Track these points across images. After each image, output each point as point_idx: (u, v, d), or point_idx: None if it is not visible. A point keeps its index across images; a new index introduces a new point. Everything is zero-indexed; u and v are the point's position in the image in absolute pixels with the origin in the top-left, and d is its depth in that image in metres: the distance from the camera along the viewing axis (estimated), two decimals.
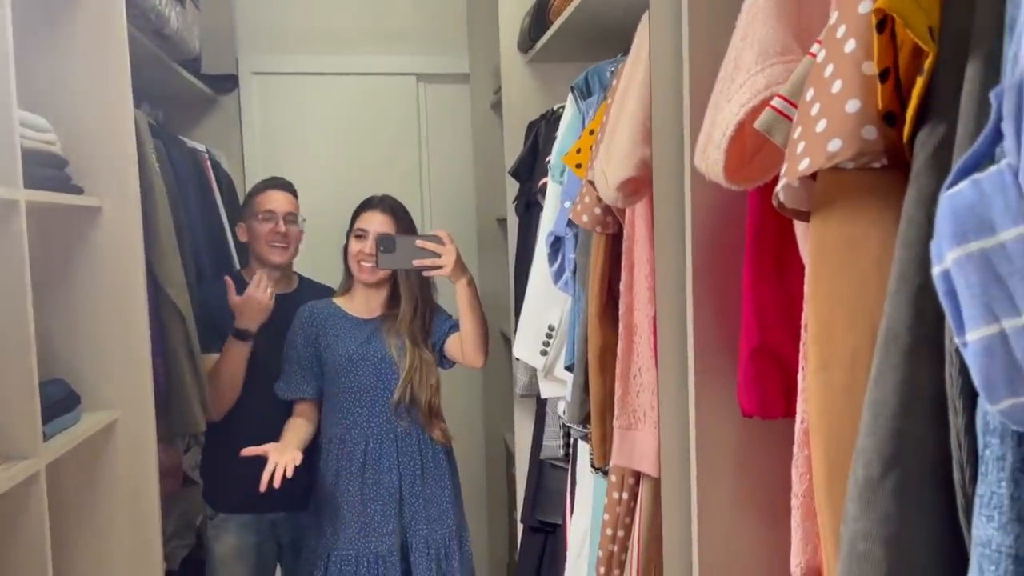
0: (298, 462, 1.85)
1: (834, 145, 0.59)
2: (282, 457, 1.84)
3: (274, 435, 2.04)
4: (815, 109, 0.62)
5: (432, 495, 2.07)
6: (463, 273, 1.97)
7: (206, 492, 2.12)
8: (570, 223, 1.48)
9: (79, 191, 1.56)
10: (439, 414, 2.10)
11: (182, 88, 2.50)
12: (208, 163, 2.39)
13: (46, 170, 1.45)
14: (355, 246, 2.05)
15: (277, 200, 2.16)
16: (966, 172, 0.45)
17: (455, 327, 2.07)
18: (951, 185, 0.45)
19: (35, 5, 1.57)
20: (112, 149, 1.63)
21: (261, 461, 1.98)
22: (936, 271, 0.45)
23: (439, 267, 1.94)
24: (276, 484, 1.82)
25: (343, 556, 2.00)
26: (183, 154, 2.18)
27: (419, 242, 1.94)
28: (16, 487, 1.25)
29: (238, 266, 2.41)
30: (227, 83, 2.81)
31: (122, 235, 1.63)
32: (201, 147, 2.40)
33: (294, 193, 2.22)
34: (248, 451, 1.88)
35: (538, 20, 2.09)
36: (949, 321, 0.45)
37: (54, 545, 1.35)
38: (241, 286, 2.16)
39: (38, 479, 1.31)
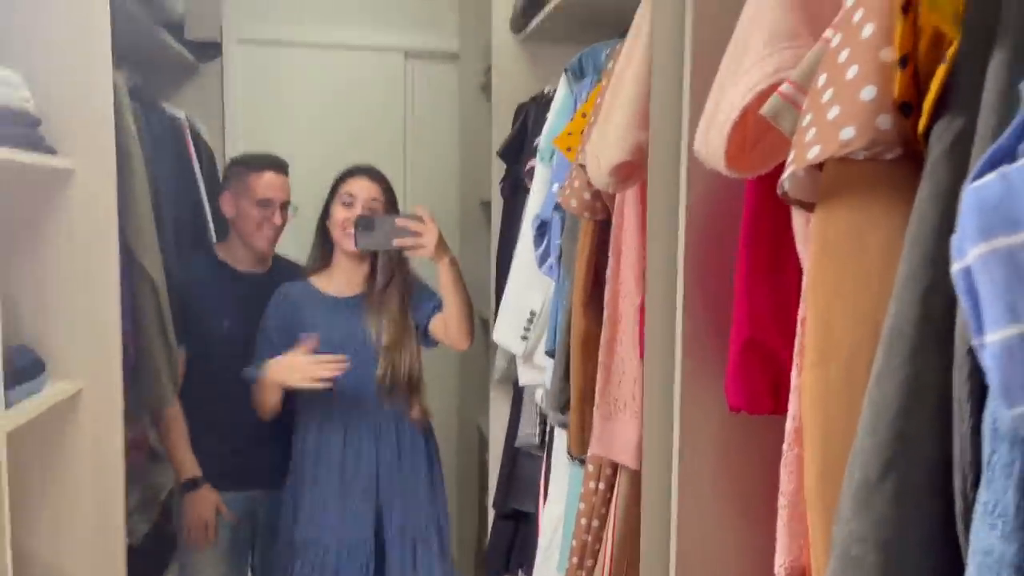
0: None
1: (847, 133, 0.57)
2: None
3: (249, 413, 1.99)
4: (827, 95, 0.60)
5: (408, 483, 2.02)
6: (444, 252, 1.93)
7: None
8: (557, 207, 1.46)
9: (52, 152, 1.50)
10: (419, 390, 2.05)
11: (163, 53, 2.43)
12: (188, 131, 2.32)
13: (18, 128, 1.39)
14: (342, 213, 1.97)
15: (276, 187, 2.08)
16: (993, 165, 0.43)
17: (439, 306, 2.02)
18: (976, 177, 0.43)
19: None
20: (88, 110, 1.57)
21: (238, 439, 2.00)
22: (956, 267, 0.43)
23: (420, 246, 1.90)
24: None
25: (322, 546, 1.96)
26: (162, 121, 2.12)
27: (398, 221, 1.90)
28: None
29: (215, 239, 2.36)
30: (210, 50, 2.73)
31: (95, 200, 1.57)
32: (181, 114, 2.34)
33: (287, 174, 2.14)
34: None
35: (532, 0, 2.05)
36: (967, 320, 0.43)
37: (13, 515, 1.31)
38: (214, 265, 2.11)
39: None
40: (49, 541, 1.61)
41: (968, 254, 0.42)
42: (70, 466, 1.61)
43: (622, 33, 1.57)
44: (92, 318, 1.58)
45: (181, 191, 2.16)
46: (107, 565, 1.63)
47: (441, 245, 1.91)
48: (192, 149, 2.32)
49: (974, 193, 0.42)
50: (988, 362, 0.42)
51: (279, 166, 2.12)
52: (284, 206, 2.10)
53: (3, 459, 1.27)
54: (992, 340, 0.42)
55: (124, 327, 1.64)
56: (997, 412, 0.45)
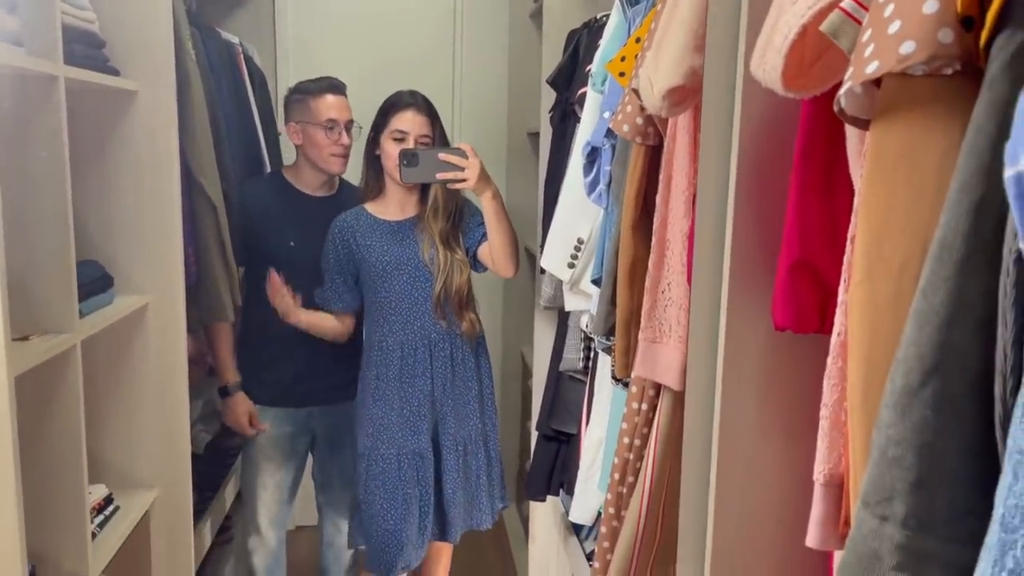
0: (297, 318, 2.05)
1: (907, 47, 0.57)
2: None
3: (305, 332, 2.09)
4: (889, 10, 0.60)
5: (460, 396, 2.14)
6: (487, 186, 1.98)
7: (244, 383, 2.16)
8: (608, 134, 1.46)
9: (116, 73, 1.55)
10: (468, 306, 2.14)
11: None
12: (242, 57, 2.36)
13: (85, 48, 1.44)
14: (394, 149, 2.02)
15: (339, 108, 2.14)
16: None
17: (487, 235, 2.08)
18: None
19: None
20: (149, 32, 1.61)
21: (296, 359, 2.13)
22: (1009, 173, 0.44)
23: (462, 179, 1.95)
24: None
25: (385, 455, 2.08)
26: (218, 46, 2.15)
27: (442, 155, 1.96)
28: (53, 359, 1.29)
29: (268, 163, 2.41)
30: None
31: (157, 121, 1.62)
32: (235, 40, 2.37)
33: (346, 95, 2.19)
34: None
35: None
36: (1016, 226, 0.44)
37: (87, 421, 1.40)
38: (282, 187, 2.16)
39: (74, 353, 1.34)
40: (120, 448, 1.71)
41: (1021, 160, 0.43)
42: (138, 377, 1.71)
43: None
44: (156, 234, 1.65)
45: (235, 115, 2.20)
46: (174, 470, 1.74)
47: (483, 179, 1.96)
48: (246, 74, 2.35)
49: None
50: None
51: (337, 88, 2.17)
52: (349, 125, 2.14)
53: (79, 364, 1.36)
54: None
55: (185, 245, 1.70)
56: None
